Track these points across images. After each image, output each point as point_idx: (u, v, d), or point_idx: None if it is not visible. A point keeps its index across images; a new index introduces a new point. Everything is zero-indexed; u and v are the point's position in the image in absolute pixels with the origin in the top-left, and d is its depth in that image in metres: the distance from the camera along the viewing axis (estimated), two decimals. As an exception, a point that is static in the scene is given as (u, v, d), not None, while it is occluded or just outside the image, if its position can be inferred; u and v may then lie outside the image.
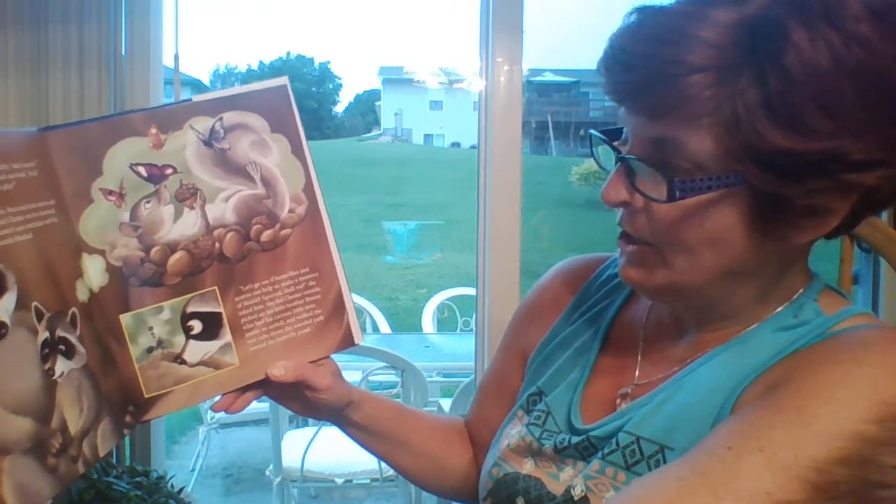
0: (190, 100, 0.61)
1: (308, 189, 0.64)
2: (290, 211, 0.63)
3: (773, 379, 0.52)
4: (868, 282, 1.55)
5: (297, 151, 0.64)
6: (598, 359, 0.67)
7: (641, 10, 0.53)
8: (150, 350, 0.60)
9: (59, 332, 0.53)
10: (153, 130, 0.59)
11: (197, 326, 0.61)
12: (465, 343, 3.20)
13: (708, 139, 0.50)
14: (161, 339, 0.60)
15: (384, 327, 3.77)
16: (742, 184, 0.51)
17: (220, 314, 0.62)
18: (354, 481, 2.34)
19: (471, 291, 3.23)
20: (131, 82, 1.60)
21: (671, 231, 0.54)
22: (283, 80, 0.63)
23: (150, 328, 0.60)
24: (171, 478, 1.53)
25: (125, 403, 0.59)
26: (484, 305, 1.67)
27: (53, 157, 0.56)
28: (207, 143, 0.61)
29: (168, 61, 1.73)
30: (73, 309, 0.55)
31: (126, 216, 0.59)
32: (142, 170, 0.59)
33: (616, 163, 0.56)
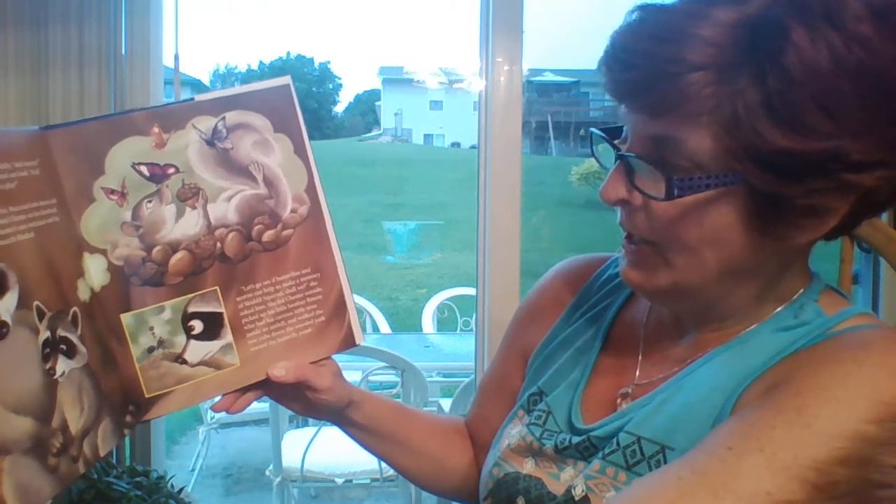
0: (192, 99, 0.61)
1: (310, 189, 0.64)
2: (293, 211, 0.63)
3: (774, 379, 0.52)
4: (868, 282, 1.55)
5: (300, 151, 0.64)
6: (598, 359, 0.67)
7: (643, 9, 0.53)
8: (150, 350, 0.60)
9: (61, 332, 0.53)
10: (155, 129, 0.59)
11: (198, 326, 0.61)
12: (465, 343, 3.19)
13: (707, 138, 0.50)
14: (162, 339, 0.60)
15: (384, 327, 3.77)
16: (741, 183, 0.51)
17: (221, 314, 0.62)
18: (354, 481, 2.34)
19: (471, 291, 3.24)
20: (131, 82, 1.60)
21: (670, 229, 0.54)
22: (286, 79, 0.63)
23: (151, 328, 0.60)
24: (171, 478, 1.53)
25: (126, 403, 0.59)
26: (484, 305, 1.67)
27: (55, 155, 0.56)
28: (210, 142, 0.61)
29: (168, 61, 1.73)
30: (75, 308, 0.55)
31: (128, 215, 0.59)
32: (144, 169, 0.59)
33: (615, 160, 0.56)
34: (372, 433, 0.74)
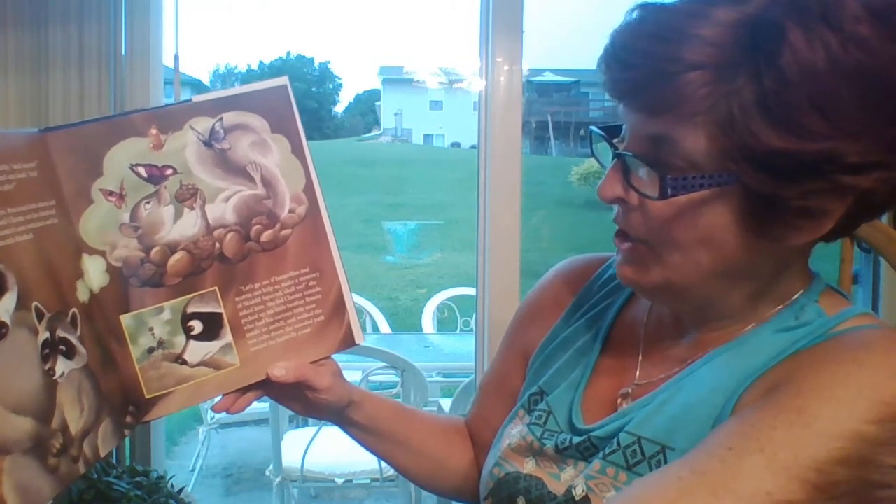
0: (190, 100, 0.61)
1: (308, 189, 0.64)
2: (291, 211, 0.63)
3: (774, 380, 0.52)
4: (868, 282, 1.55)
5: (298, 151, 0.64)
6: (599, 359, 0.67)
7: (643, 7, 0.53)
8: (150, 350, 0.60)
9: (60, 333, 0.53)
10: (153, 131, 0.59)
11: (197, 327, 0.61)
12: (465, 343, 3.19)
13: (702, 137, 0.50)
14: (162, 340, 0.60)
15: (384, 327, 3.77)
16: (736, 183, 0.51)
17: (220, 314, 0.62)
18: (354, 481, 2.34)
19: (471, 291, 3.23)
20: (131, 82, 1.60)
21: (665, 229, 0.54)
22: (284, 80, 0.63)
23: (151, 329, 0.60)
24: (171, 478, 1.53)
25: (126, 404, 0.59)
26: (484, 305, 1.67)
27: (54, 157, 0.56)
28: (207, 143, 0.61)
29: (168, 61, 1.74)
30: (74, 309, 0.55)
31: (126, 217, 0.59)
32: (142, 170, 0.59)
33: (613, 159, 0.56)
34: (372, 433, 0.74)
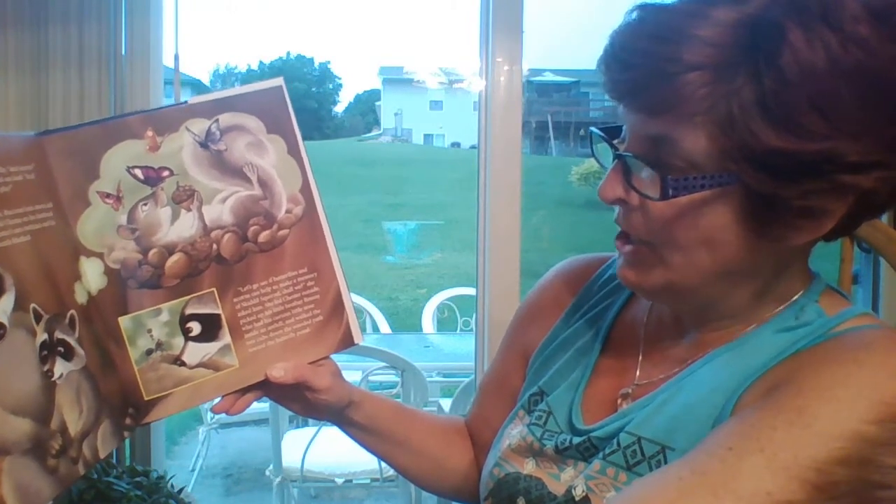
0: (186, 102, 0.61)
1: (305, 189, 0.64)
2: (288, 211, 0.63)
3: (775, 380, 0.52)
4: (868, 282, 1.55)
5: (294, 152, 0.64)
6: (599, 359, 0.67)
7: (643, 8, 0.53)
8: (149, 352, 0.60)
9: (58, 334, 0.53)
10: (149, 133, 0.59)
11: (196, 328, 0.61)
12: (465, 343, 3.20)
13: (702, 138, 0.50)
14: (160, 342, 0.60)
15: (384, 327, 3.77)
16: (736, 183, 0.51)
17: (218, 315, 0.62)
18: (354, 481, 2.34)
19: (471, 291, 3.23)
20: (131, 82, 1.60)
21: (666, 229, 0.54)
22: (279, 80, 0.63)
23: (149, 330, 0.60)
24: (171, 478, 1.53)
25: (125, 405, 0.59)
26: (484, 305, 1.67)
27: (50, 160, 0.56)
28: (204, 144, 0.61)
29: (168, 61, 1.74)
30: (72, 311, 0.55)
31: (123, 219, 0.59)
32: (139, 172, 0.59)
33: (613, 160, 0.56)
34: (372, 433, 0.74)
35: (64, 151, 0.56)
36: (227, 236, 0.61)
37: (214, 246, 0.61)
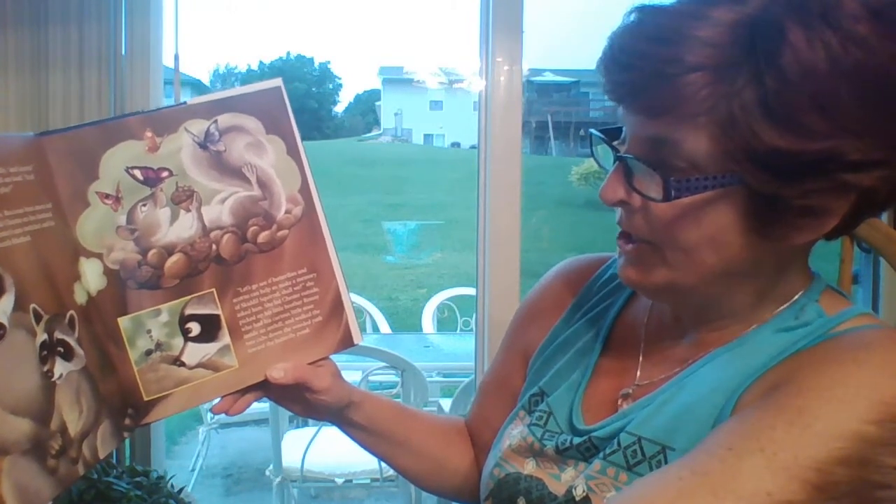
0: (185, 103, 0.61)
1: (304, 190, 0.64)
2: (287, 212, 0.63)
3: (775, 380, 0.52)
4: (868, 282, 1.55)
5: (293, 152, 0.64)
6: (599, 359, 0.67)
7: (641, 10, 0.52)
8: (148, 353, 0.60)
9: (58, 335, 0.53)
10: (148, 134, 0.59)
11: (195, 328, 0.61)
12: (465, 343, 3.19)
13: (704, 139, 0.50)
14: (159, 342, 0.60)
15: (384, 327, 3.77)
16: (739, 183, 0.51)
17: (218, 316, 0.62)
18: (354, 481, 2.34)
19: (471, 291, 3.23)
20: (131, 82, 1.60)
21: (668, 230, 0.54)
22: (277, 81, 0.63)
23: (149, 331, 0.60)
24: (171, 478, 1.53)
25: (124, 406, 0.59)
26: (484, 305, 1.67)
27: (50, 161, 0.56)
28: (203, 145, 0.61)
29: (168, 61, 1.74)
30: (72, 312, 0.55)
31: (123, 219, 0.59)
32: (138, 173, 0.59)
33: (614, 162, 0.56)
34: (372, 433, 0.74)
35: (63, 152, 0.56)
36: (226, 237, 0.61)
37: (214, 246, 0.61)
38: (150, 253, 0.59)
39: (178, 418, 3.60)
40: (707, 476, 0.47)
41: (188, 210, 0.60)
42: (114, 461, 1.53)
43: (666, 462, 0.54)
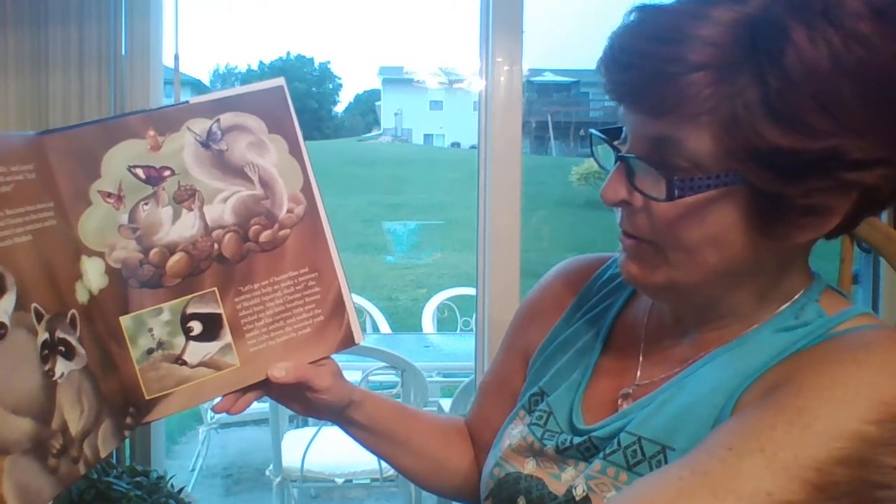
0: (187, 102, 0.61)
1: (306, 189, 0.64)
2: (289, 211, 0.63)
3: (774, 379, 0.52)
4: (868, 282, 1.55)
5: (295, 152, 0.64)
6: (599, 359, 0.67)
7: (641, 9, 0.52)
8: (150, 351, 0.60)
9: (59, 334, 0.53)
10: (151, 133, 0.59)
11: (197, 327, 0.61)
12: (465, 343, 3.20)
13: (706, 138, 0.50)
14: (161, 341, 0.60)
15: (384, 327, 3.77)
16: (741, 183, 0.51)
17: (219, 315, 0.62)
18: (354, 481, 2.34)
19: (471, 291, 3.24)
20: (131, 82, 1.60)
21: (671, 230, 0.54)
22: (280, 80, 0.63)
23: (150, 330, 0.60)
24: (171, 478, 1.53)
25: (126, 405, 0.59)
26: (484, 305, 1.67)
27: (51, 159, 0.56)
28: (205, 144, 0.61)
29: (168, 61, 1.74)
30: (73, 310, 0.55)
31: (125, 218, 0.59)
32: (140, 172, 0.59)
33: (615, 162, 0.56)
34: (373, 433, 0.74)
35: (65, 151, 0.56)
36: (228, 236, 0.61)
37: (216, 245, 0.61)
38: (152, 252, 0.60)
39: (178, 418, 3.60)
40: (707, 476, 0.47)
41: (190, 209, 0.60)
42: (114, 461, 1.53)
43: (666, 462, 0.54)
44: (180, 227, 0.60)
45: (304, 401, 0.68)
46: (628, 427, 0.58)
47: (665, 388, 0.59)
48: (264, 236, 0.63)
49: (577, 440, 0.62)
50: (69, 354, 0.54)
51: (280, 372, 0.63)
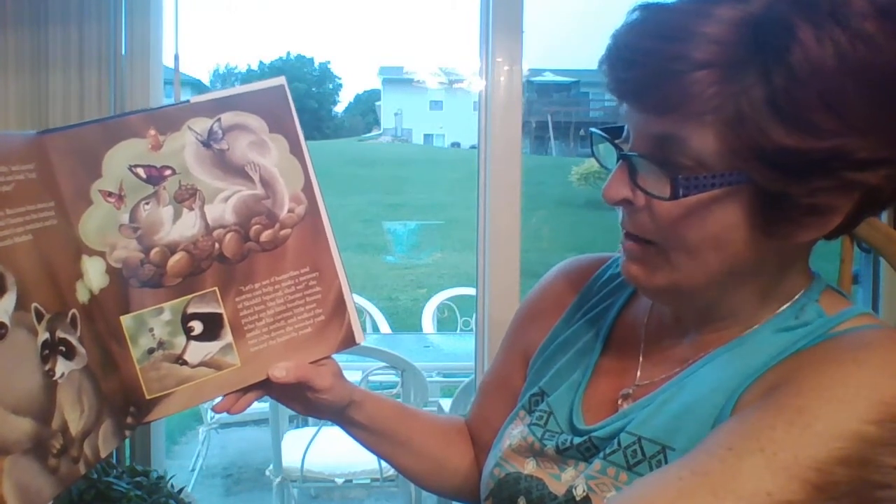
0: (188, 101, 0.61)
1: (307, 189, 0.64)
2: (290, 211, 0.63)
3: (775, 379, 0.52)
4: (868, 282, 1.55)
5: (296, 151, 0.64)
6: (599, 359, 0.67)
7: (645, 7, 0.52)
8: (150, 351, 0.60)
9: (60, 333, 0.53)
10: (152, 132, 0.59)
11: (197, 327, 0.61)
12: (465, 343, 3.20)
13: (711, 136, 0.50)
14: (162, 341, 0.60)
15: (384, 327, 3.77)
16: (745, 182, 0.51)
17: (220, 315, 0.62)
18: (354, 481, 2.34)
19: (471, 291, 3.24)
20: (131, 82, 1.60)
21: (673, 229, 0.54)
22: (281, 80, 0.63)
23: (151, 329, 0.60)
24: (171, 478, 1.53)
25: (126, 405, 0.59)
26: (484, 305, 1.67)
27: (52, 159, 0.56)
28: (206, 143, 0.61)
29: (168, 61, 1.74)
30: (74, 310, 0.55)
31: (125, 218, 0.59)
32: (141, 171, 0.59)
33: (618, 160, 0.56)
34: (373, 433, 0.74)
35: (65, 150, 0.56)
36: (229, 235, 0.61)
37: (216, 245, 0.61)
38: (153, 251, 0.59)
39: (179, 418, 3.60)
40: (707, 476, 0.47)
41: (191, 208, 0.60)
42: (114, 461, 1.53)
43: (666, 462, 0.54)
44: (181, 227, 0.60)
45: (304, 401, 0.68)
46: (628, 427, 0.58)
47: (665, 388, 0.59)
48: (265, 236, 0.63)
49: (577, 440, 0.62)
50: (69, 354, 0.54)
51: (281, 372, 0.63)
